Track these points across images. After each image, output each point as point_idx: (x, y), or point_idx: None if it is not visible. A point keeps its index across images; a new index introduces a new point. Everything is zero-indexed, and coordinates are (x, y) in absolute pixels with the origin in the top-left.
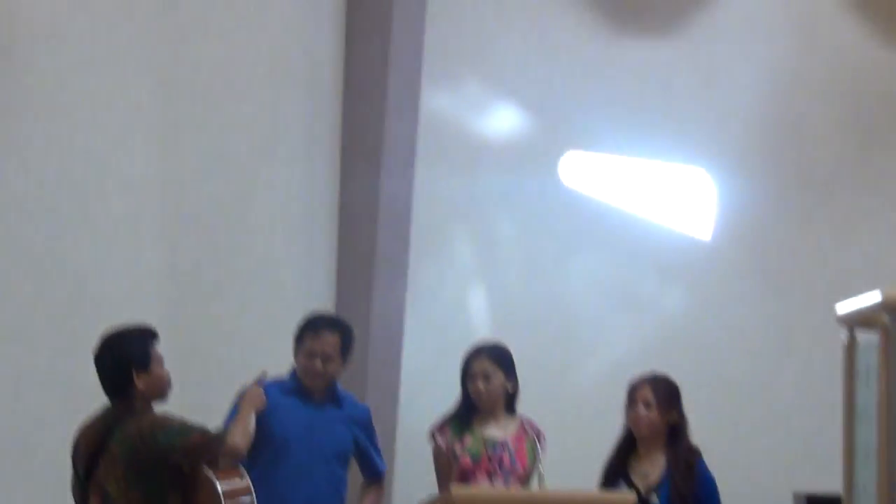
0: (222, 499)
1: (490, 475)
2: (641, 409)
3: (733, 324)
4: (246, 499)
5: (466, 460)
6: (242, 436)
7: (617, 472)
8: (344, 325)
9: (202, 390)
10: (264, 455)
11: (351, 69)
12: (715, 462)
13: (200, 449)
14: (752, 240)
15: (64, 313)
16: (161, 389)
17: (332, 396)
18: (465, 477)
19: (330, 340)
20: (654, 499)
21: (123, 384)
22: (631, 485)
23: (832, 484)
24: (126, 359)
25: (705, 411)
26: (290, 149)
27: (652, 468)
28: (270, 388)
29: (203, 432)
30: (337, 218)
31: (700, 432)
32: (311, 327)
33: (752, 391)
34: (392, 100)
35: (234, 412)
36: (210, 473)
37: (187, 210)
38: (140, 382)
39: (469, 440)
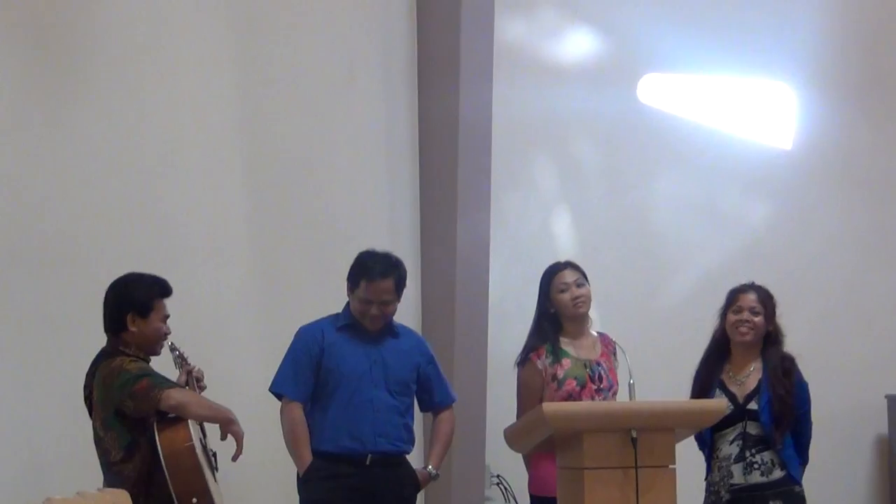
0: (161, 452)
1: (595, 396)
2: (749, 315)
3: (817, 231)
4: (186, 457)
5: (572, 384)
6: (184, 394)
7: (710, 380)
8: (397, 267)
9: (289, 328)
10: (327, 393)
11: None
12: (807, 369)
13: (142, 396)
14: (834, 145)
15: (151, 261)
16: (151, 342)
17: (389, 329)
18: (573, 400)
19: (385, 286)
20: (753, 405)
21: (117, 324)
22: (726, 392)
23: None
24: (127, 300)
25: (794, 320)
26: (366, 84)
27: (747, 376)
28: (323, 323)
29: (151, 381)
30: (418, 150)
31: (790, 340)
32: (366, 275)
33: (839, 297)
34: (466, 28)
35: (288, 358)
36: (155, 425)
37: (268, 152)
38: (134, 327)
39: (568, 363)
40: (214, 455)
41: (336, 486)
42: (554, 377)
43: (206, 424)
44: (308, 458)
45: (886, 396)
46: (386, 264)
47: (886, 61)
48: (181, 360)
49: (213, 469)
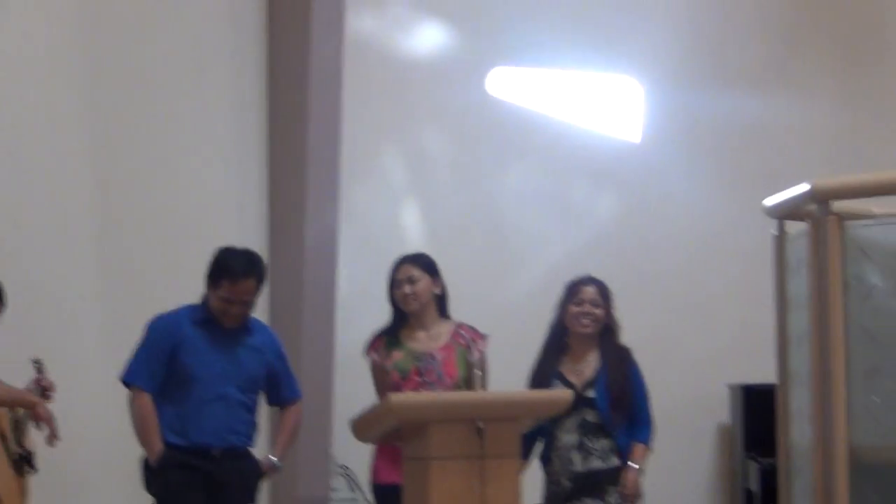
0: None
1: (418, 388)
2: (591, 308)
3: (663, 223)
4: None
5: (395, 375)
6: None
7: (550, 371)
8: (258, 265)
9: (135, 319)
10: (179, 387)
11: None
12: (651, 360)
13: None
14: (680, 140)
15: None
16: None
17: (242, 324)
18: (395, 392)
19: (247, 286)
20: (591, 393)
21: None
22: (565, 383)
23: (766, 374)
24: None
25: (639, 311)
26: (216, 77)
27: (586, 366)
28: (180, 316)
29: None
30: (267, 143)
31: (635, 331)
32: (228, 275)
33: (684, 289)
34: (317, 23)
35: (143, 349)
36: None
37: (117, 143)
38: None
39: (398, 355)
40: (29, 454)
41: (187, 475)
42: (384, 369)
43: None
44: (160, 446)
45: (728, 386)
46: (248, 263)
47: (732, 57)
48: (37, 370)
49: (22, 464)
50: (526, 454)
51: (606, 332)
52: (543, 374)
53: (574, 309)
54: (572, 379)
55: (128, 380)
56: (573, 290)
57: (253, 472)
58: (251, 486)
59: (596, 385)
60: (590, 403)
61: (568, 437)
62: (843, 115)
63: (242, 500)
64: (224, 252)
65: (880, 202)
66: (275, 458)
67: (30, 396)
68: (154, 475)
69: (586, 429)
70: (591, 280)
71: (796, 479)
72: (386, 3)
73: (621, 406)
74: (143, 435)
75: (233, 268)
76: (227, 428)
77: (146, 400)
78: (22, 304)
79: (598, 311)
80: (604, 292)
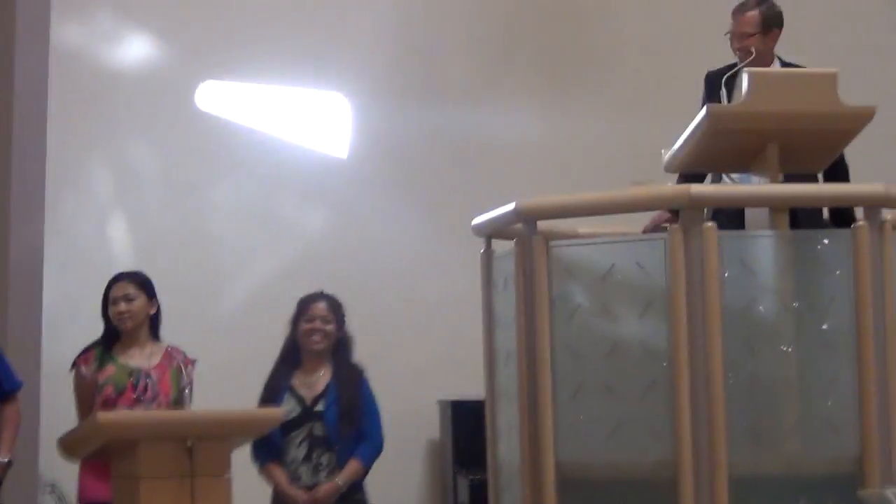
0: None
1: (133, 405)
2: (320, 324)
3: (372, 239)
4: None
5: (109, 390)
6: None
7: (280, 385)
8: None
9: None
10: None
11: None
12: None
13: None
14: (388, 154)
15: None
16: None
17: None
18: (109, 407)
19: None
20: (320, 407)
21: None
22: (296, 396)
23: (475, 390)
24: None
25: (350, 326)
26: None
27: (317, 379)
28: None
29: None
30: None
31: None
32: None
33: (393, 304)
34: (21, 32)
35: None
36: None
37: None
38: None
39: (112, 370)
40: None
41: None
42: (97, 383)
43: None
44: None
45: (438, 402)
46: None
47: (440, 74)
48: None
49: None
50: (269, 456)
51: (339, 347)
52: (273, 389)
53: (305, 326)
54: (302, 392)
55: None
56: (303, 307)
57: None
58: None
59: (325, 399)
60: (319, 417)
61: (296, 451)
62: (550, 132)
63: None
64: None
65: (585, 222)
66: (4, 459)
67: None
68: None
69: (314, 442)
70: (321, 296)
71: (505, 494)
72: (92, 15)
73: (349, 421)
74: None
75: None
76: None
77: None
78: None
79: (329, 328)
80: (335, 308)
